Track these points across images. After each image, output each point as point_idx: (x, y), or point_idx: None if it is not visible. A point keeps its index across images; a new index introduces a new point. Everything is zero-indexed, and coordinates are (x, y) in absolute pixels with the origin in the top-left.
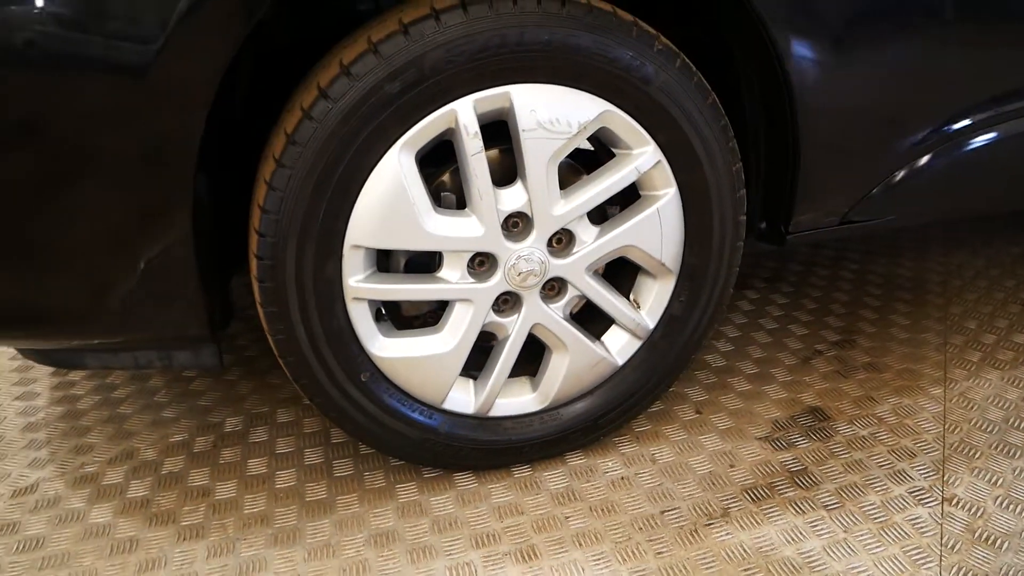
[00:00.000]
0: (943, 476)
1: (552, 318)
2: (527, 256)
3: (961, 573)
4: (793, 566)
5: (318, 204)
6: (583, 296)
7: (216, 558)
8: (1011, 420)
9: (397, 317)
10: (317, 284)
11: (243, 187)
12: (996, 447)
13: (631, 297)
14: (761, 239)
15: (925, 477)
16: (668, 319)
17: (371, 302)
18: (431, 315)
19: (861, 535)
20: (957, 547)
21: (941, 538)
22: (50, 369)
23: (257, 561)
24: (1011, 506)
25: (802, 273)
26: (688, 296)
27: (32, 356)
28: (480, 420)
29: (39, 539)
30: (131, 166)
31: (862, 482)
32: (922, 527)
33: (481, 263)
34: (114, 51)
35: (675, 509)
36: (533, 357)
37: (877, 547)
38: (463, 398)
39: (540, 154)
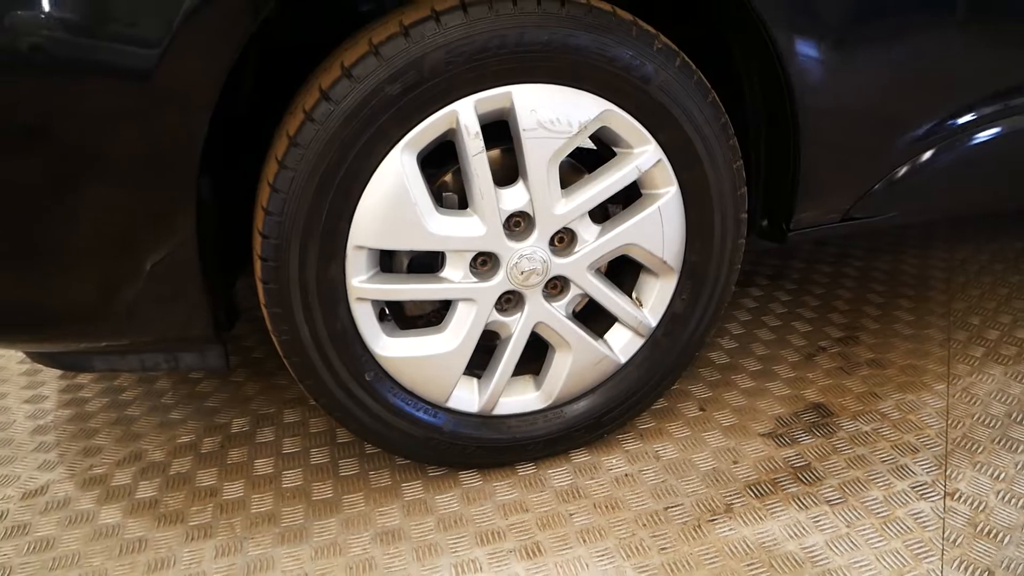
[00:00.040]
0: (945, 471)
1: (555, 317)
2: (529, 255)
3: (963, 567)
4: (796, 561)
5: (321, 205)
6: (585, 294)
7: (224, 557)
8: (1014, 415)
9: (401, 317)
10: (320, 285)
11: (248, 189)
12: (999, 442)
13: (633, 295)
14: (763, 236)
15: (928, 472)
16: (670, 317)
17: (374, 302)
18: (434, 315)
19: (863, 529)
20: (959, 541)
21: (943, 532)
22: (58, 372)
23: (264, 560)
24: (1013, 500)
25: (805, 270)
26: (690, 294)
27: (40, 359)
28: (484, 419)
29: (49, 540)
30: (135, 168)
31: (865, 477)
32: (924, 521)
33: (483, 262)
34: (117, 53)
35: (679, 505)
36: (536, 356)
37: (879, 541)
38: (467, 397)
39: (541, 154)
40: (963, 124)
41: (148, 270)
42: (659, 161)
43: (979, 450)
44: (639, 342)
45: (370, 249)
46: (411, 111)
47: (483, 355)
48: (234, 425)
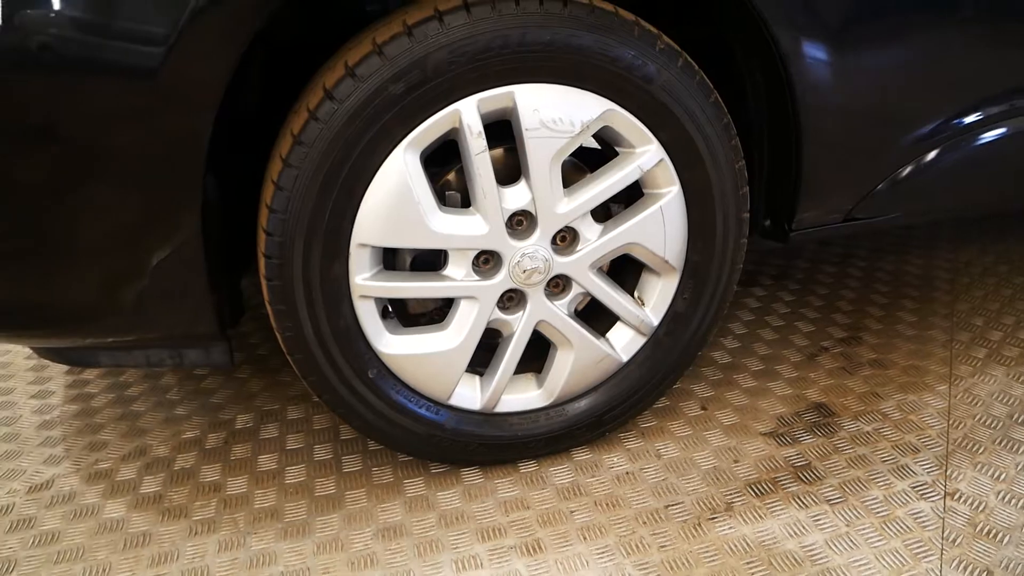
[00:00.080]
0: (946, 471)
1: (557, 315)
2: (531, 254)
3: (962, 566)
4: (795, 559)
5: (324, 203)
6: (587, 293)
7: (227, 552)
8: (1015, 416)
9: (403, 314)
10: (324, 282)
11: (253, 188)
12: (1000, 442)
13: (635, 294)
14: (765, 236)
15: (928, 472)
16: (672, 316)
17: (377, 300)
18: (437, 312)
19: (863, 529)
20: (958, 541)
21: (943, 532)
22: (64, 368)
23: (267, 554)
24: (1013, 500)
25: (809, 270)
26: (692, 293)
27: (47, 355)
28: (486, 416)
29: (54, 533)
30: (141, 167)
31: (865, 477)
32: (924, 521)
33: (486, 261)
34: (124, 51)
35: (679, 504)
36: (538, 354)
37: (879, 540)
38: (469, 394)
39: (543, 153)
40: (968, 124)
41: (154, 267)
42: (661, 161)
43: (980, 451)
44: (641, 341)
45: (373, 247)
46: (414, 110)
47: (485, 353)
48: (238, 421)
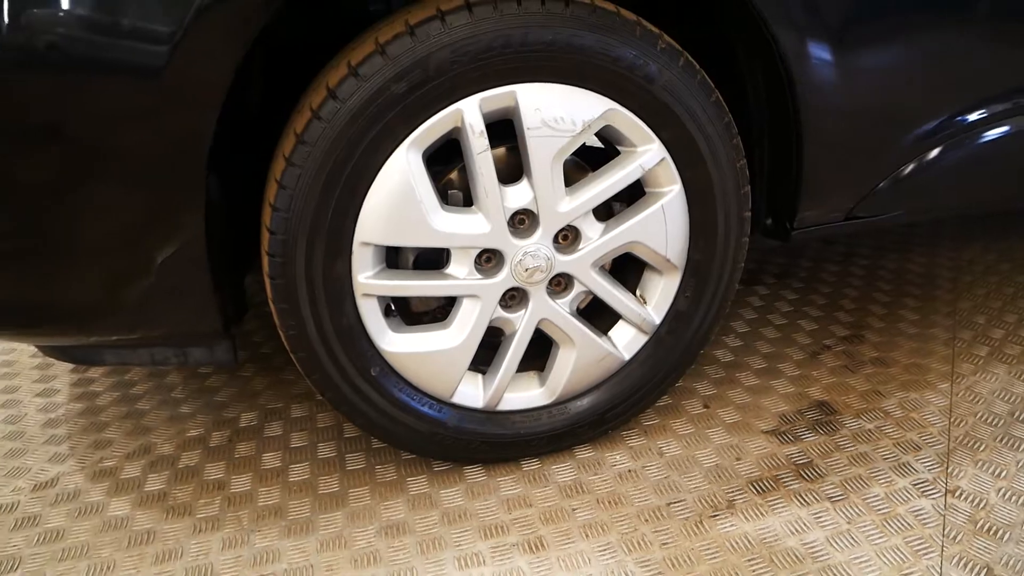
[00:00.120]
0: (947, 469)
1: (559, 313)
2: (533, 252)
3: (962, 563)
4: (796, 556)
5: (327, 202)
6: (589, 292)
7: (231, 549)
8: (1017, 414)
9: (406, 313)
10: (327, 281)
11: (256, 186)
12: (1001, 440)
13: (637, 293)
14: (767, 235)
15: (929, 470)
16: (674, 314)
17: (380, 298)
18: (440, 311)
19: (864, 526)
20: (959, 538)
21: (943, 529)
22: (69, 366)
23: (271, 552)
24: (1014, 498)
25: (812, 269)
26: (694, 291)
27: (52, 353)
28: (489, 414)
29: (59, 531)
30: (145, 166)
31: (867, 475)
32: (925, 518)
33: (488, 259)
34: (129, 50)
35: (681, 501)
36: (541, 352)
37: (880, 538)
38: (472, 392)
39: (545, 152)
40: (971, 122)
41: (158, 266)
42: (663, 160)
43: (981, 448)
44: (643, 339)
45: (376, 246)
46: (417, 109)
47: (488, 351)
48: (242, 419)
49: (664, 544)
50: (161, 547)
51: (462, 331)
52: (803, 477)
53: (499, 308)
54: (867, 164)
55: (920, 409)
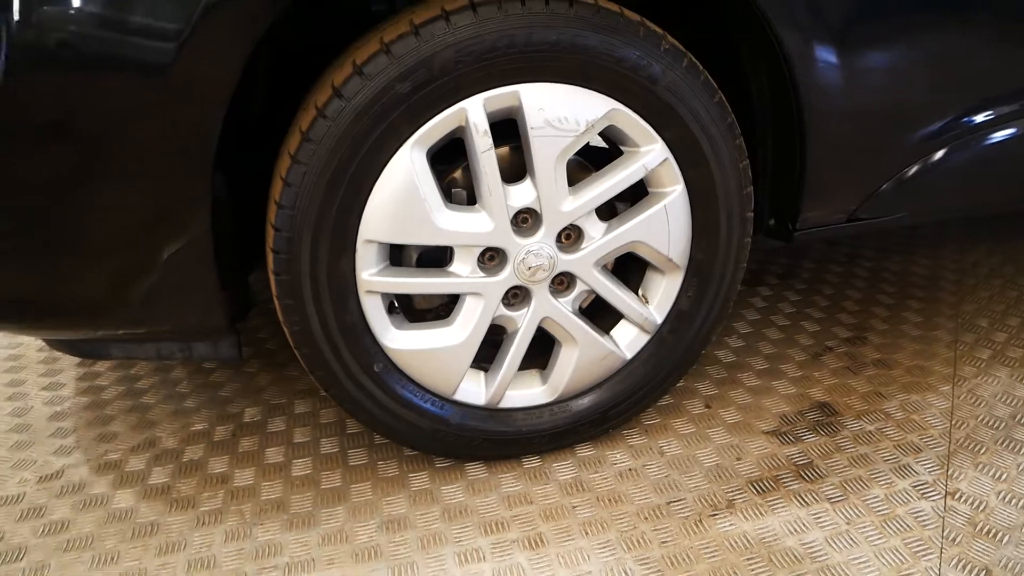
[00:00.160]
0: (947, 471)
1: (561, 312)
2: (536, 251)
3: (961, 565)
4: (795, 556)
5: (332, 200)
6: (592, 291)
7: (233, 542)
8: (1018, 417)
9: (409, 310)
10: (331, 278)
11: (262, 184)
12: (1002, 443)
13: (639, 292)
14: (770, 235)
15: (929, 472)
16: (676, 314)
17: (384, 295)
18: (443, 308)
19: (863, 527)
20: (958, 540)
21: (943, 531)
22: (76, 360)
23: (273, 545)
24: (1013, 500)
25: (815, 270)
26: (696, 291)
27: (60, 347)
28: (491, 411)
29: (64, 522)
30: (153, 163)
31: (867, 476)
32: (924, 520)
33: (491, 258)
34: (137, 48)
35: (681, 500)
36: (543, 350)
37: (879, 539)
38: (474, 389)
39: (548, 151)
40: (976, 124)
41: (165, 261)
42: (665, 160)
43: (982, 451)
44: (645, 339)
45: (380, 243)
46: (421, 108)
47: (490, 349)
48: (246, 414)
49: (663, 543)
50: (164, 539)
51: (465, 329)
52: (803, 478)
53: (502, 306)
54: (870, 165)
55: (921, 411)
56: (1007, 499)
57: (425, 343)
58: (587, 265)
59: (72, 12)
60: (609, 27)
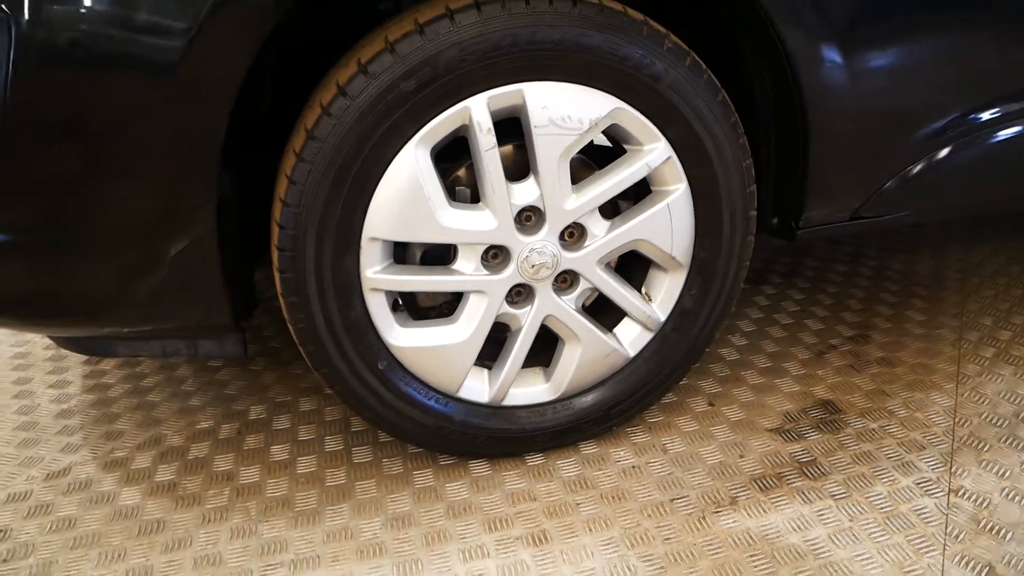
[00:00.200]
0: (951, 468)
1: (565, 310)
2: (539, 249)
3: (964, 562)
4: (798, 553)
5: (336, 197)
6: (595, 289)
7: (239, 539)
8: (1022, 414)
9: (413, 308)
10: (336, 275)
11: (267, 183)
12: (1005, 440)
13: (643, 290)
14: (773, 234)
15: (933, 469)
16: (679, 312)
17: (388, 293)
18: (446, 306)
19: (867, 524)
20: (961, 536)
21: (946, 528)
22: (82, 359)
23: (278, 542)
24: (1017, 498)
25: (819, 269)
26: (699, 289)
27: (66, 344)
28: (494, 409)
29: (71, 519)
30: (160, 161)
31: (870, 473)
32: (928, 517)
33: (495, 256)
34: (145, 46)
35: (684, 497)
36: (546, 348)
37: (882, 536)
38: (478, 387)
39: (552, 150)
40: (984, 121)
41: (171, 259)
42: (669, 158)
43: (985, 448)
44: (648, 336)
45: (384, 241)
46: (425, 107)
47: (494, 346)
48: (251, 412)
49: (667, 539)
50: (171, 536)
51: (468, 326)
52: (806, 475)
53: (505, 304)
54: (873, 163)
55: (925, 409)
56: (1010, 496)
57: (429, 341)
58: (590, 263)
59: (80, 10)
60: (613, 26)
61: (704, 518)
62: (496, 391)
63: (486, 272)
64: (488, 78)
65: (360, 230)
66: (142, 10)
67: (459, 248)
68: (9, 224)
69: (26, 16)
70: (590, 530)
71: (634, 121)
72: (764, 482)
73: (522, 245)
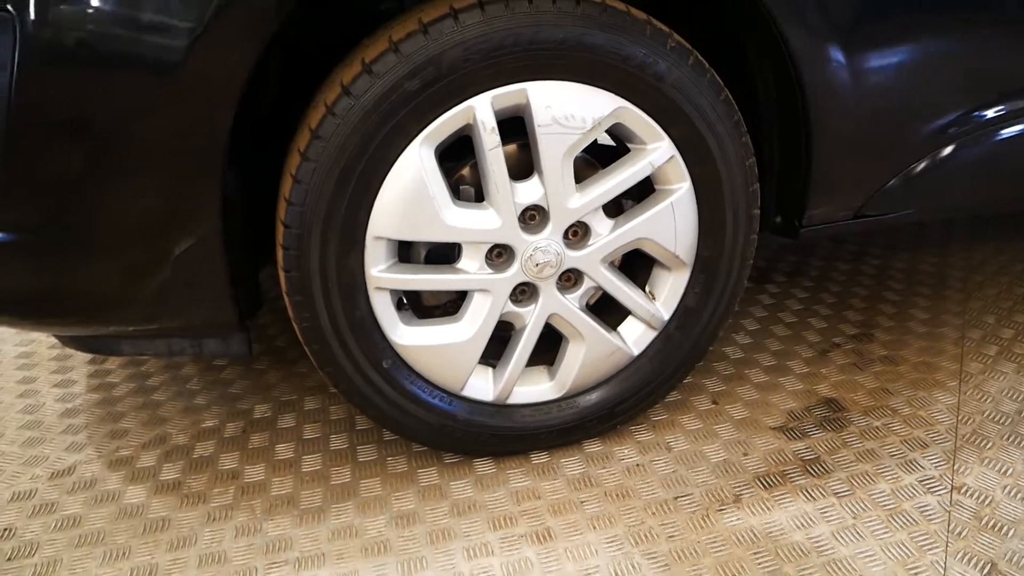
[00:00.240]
0: (953, 465)
1: (569, 308)
2: (543, 248)
3: (966, 558)
4: (802, 550)
5: (341, 197)
6: (599, 287)
7: (244, 537)
8: None
9: (418, 306)
10: (340, 274)
11: (272, 182)
12: (1008, 438)
13: (646, 288)
14: (776, 232)
15: (936, 466)
16: (683, 310)
17: (392, 291)
18: (451, 304)
19: (870, 521)
20: (964, 533)
21: (948, 525)
22: (87, 358)
23: (283, 540)
24: (1020, 495)
25: (823, 268)
26: (702, 288)
27: (71, 343)
28: (498, 407)
29: (76, 518)
30: (166, 160)
31: (873, 471)
32: (930, 514)
33: (499, 254)
34: (150, 45)
35: (688, 495)
36: (550, 347)
37: (885, 533)
38: (482, 385)
39: (555, 149)
40: (987, 120)
41: (176, 258)
42: (672, 157)
43: (988, 446)
44: (652, 335)
45: (388, 240)
46: (429, 106)
47: (498, 345)
48: (256, 411)
49: (671, 537)
50: (176, 534)
51: (473, 325)
52: (810, 473)
53: (509, 302)
54: (877, 162)
55: (928, 407)
56: (1013, 493)
57: (433, 339)
58: (594, 262)
59: (85, 10)
60: (616, 25)
61: (708, 516)
62: (500, 389)
63: (490, 271)
64: (492, 77)
65: (364, 229)
66: (147, 10)
67: (463, 247)
68: (14, 223)
69: (31, 16)
70: (594, 528)
71: (637, 120)
72: (768, 480)
73: (526, 244)
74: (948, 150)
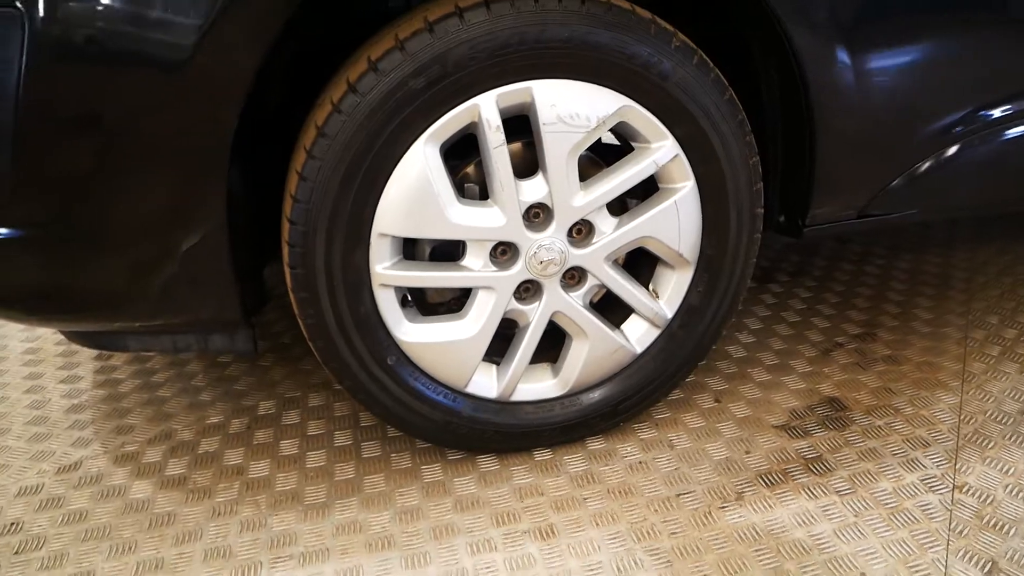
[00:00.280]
0: (955, 464)
1: (572, 306)
2: (548, 246)
3: (967, 557)
4: (803, 548)
5: (346, 194)
6: (603, 285)
7: (249, 532)
8: None
9: (422, 303)
10: (345, 271)
11: (278, 179)
12: (1010, 437)
13: (650, 287)
14: (780, 231)
15: (937, 465)
16: (686, 309)
17: (397, 288)
18: (455, 302)
19: (871, 519)
20: (965, 532)
21: (950, 523)
22: (93, 353)
23: (288, 535)
24: (1021, 494)
25: (826, 267)
26: (706, 286)
27: (77, 339)
28: (502, 404)
29: (82, 513)
30: (171, 157)
31: (875, 469)
32: (932, 513)
33: (503, 252)
34: (157, 43)
35: (690, 492)
36: (554, 344)
37: (886, 531)
38: (486, 382)
39: (560, 147)
40: (992, 120)
41: (182, 254)
42: (676, 156)
43: (990, 445)
44: (655, 333)
45: (393, 237)
46: (434, 104)
47: (502, 342)
48: (261, 407)
49: (673, 534)
50: (181, 529)
51: (477, 322)
52: (812, 471)
53: (513, 300)
54: (880, 161)
55: (930, 406)
56: (1014, 492)
57: (438, 336)
58: (598, 260)
59: (93, 8)
60: (620, 24)
61: (710, 513)
62: (504, 387)
63: (494, 268)
64: (497, 76)
65: (370, 226)
66: (155, 8)
67: (468, 244)
68: (23, 219)
69: (40, 13)
70: (597, 524)
71: (642, 119)
72: (770, 478)
73: (530, 242)
74: (953, 150)
